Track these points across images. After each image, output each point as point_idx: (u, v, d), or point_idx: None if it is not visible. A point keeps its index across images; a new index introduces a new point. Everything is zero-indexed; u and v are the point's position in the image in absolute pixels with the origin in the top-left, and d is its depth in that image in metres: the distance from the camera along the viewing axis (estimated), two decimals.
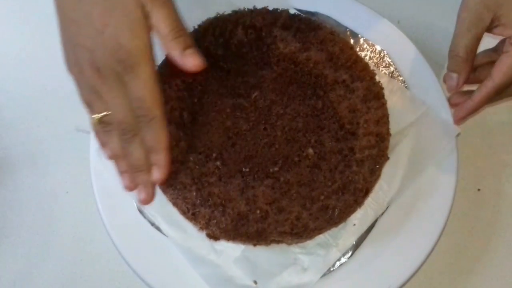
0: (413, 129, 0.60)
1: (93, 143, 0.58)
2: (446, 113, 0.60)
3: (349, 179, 0.54)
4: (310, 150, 0.55)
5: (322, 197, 0.54)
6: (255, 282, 0.55)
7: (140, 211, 0.58)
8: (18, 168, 0.66)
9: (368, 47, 0.64)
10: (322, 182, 0.54)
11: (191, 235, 0.57)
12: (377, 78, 0.58)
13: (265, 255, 0.56)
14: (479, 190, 0.64)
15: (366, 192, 0.55)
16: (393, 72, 0.62)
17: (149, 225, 0.57)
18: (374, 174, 0.55)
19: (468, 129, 0.65)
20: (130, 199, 0.57)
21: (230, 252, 0.56)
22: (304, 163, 0.55)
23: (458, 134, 0.59)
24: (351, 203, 0.54)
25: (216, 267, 0.56)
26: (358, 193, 0.54)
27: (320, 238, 0.56)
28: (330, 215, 0.53)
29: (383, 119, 0.56)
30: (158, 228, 0.57)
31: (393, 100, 0.60)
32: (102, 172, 0.58)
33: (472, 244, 0.62)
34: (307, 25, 0.60)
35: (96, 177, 0.59)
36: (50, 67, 0.65)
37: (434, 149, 0.59)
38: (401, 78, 0.62)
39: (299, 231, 0.53)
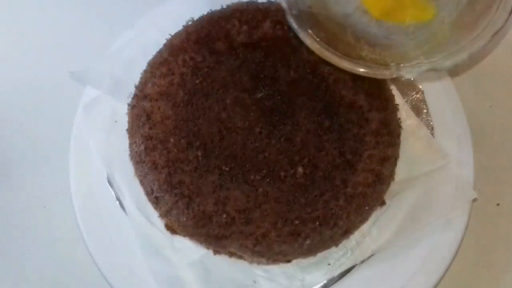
0: (424, 180, 0.53)
1: (73, 150, 0.56)
2: (468, 172, 0.53)
3: (331, 212, 0.49)
4: (300, 169, 0.50)
5: (296, 222, 0.49)
6: None
7: (109, 183, 0.54)
8: None
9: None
10: (302, 206, 0.49)
11: (153, 223, 0.53)
12: (400, 114, 0.53)
13: (224, 267, 0.52)
14: (498, 204, 0.59)
15: (346, 231, 0.50)
16: (422, 112, 0.56)
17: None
18: (360, 215, 0.50)
19: (486, 140, 0.60)
20: (113, 215, 0.54)
21: (188, 253, 0.52)
22: (289, 181, 0.50)
23: (475, 199, 0.53)
24: (325, 238, 0.49)
25: (168, 264, 0.52)
26: (336, 230, 0.49)
27: (288, 266, 0.52)
28: (299, 243, 0.49)
29: (390, 160, 0.51)
30: (121, 205, 0.53)
31: (412, 143, 0.54)
32: (83, 184, 0.55)
33: (492, 263, 0.56)
34: None
35: (76, 190, 0.55)
36: (25, 69, 0.64)
37: (442, 208, 0.52)
38: (429, 120, 0.56)
39: (261, 250, 0.49)
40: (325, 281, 0.51)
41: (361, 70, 0.50)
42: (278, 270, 0.52)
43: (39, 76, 0.63)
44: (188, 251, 0.52)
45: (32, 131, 0.63)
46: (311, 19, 0.52)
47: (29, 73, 0.64)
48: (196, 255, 0.52)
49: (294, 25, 0.51)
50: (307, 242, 0.49)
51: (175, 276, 0.51)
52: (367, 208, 0.50)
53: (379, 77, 0.50)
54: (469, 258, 0.56)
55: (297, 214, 0.49)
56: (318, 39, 0.50)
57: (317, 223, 0.49)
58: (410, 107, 0.56)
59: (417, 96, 0.57)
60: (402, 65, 0.49)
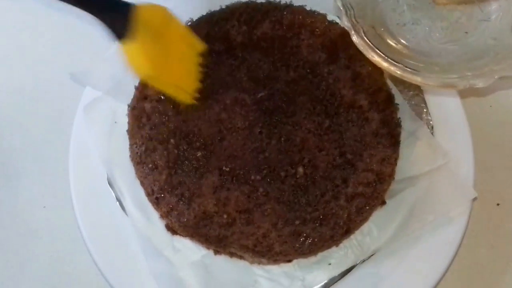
0: (424, 179, 0.53)
1: (73, 150, 0.55)
2: (468, 172, 0.53)
3: (332, 212, 0.49)
4: (301, 169, 0.50)
5: (297, 222, 0.49)
6: None
7: (110, 184, 0.54)
8: None
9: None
10: (303, 206, 0.49)
11: (154, 224, 0.53)
12: (400, 113, 0.53)
13: (224, 267, 0.52)
14: (498, 204, 0.58)
15: (347, 231, 0.49)
16: (423, 112, 0.56)
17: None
18: (361, 215, 0.49)
19: (486, 140, 0.59)
20: (113, 215, 0.53)
21: (188, 253, 0.52)
22: (290, 181, 0.50)
23: (475, 199, 0.53)
24: (326, 237, 0.49)
25: (169, 265, 0.52)
26: (337, 229, 0.49)
27: (288, 266, 0.51)
28: (300, 243, 0.49)
29: (391, 159, 0.51)
30: (121, 206, 0.53)
31: (412, 143, 0.54)
32: (83, 184, 0.54)
33: (491, 263, 0.56)
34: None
35: (76, 190, 0.54)
36: (25, 69, 0.64)
37: (442, 207, 0.52)
38: (429, 120, 0.55)
39: (262, 250, 0.49)
40: (326, 281, 0.51)
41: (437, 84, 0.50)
42: (278, 270, 0.51)
43: (39, 76, 0.63)
44: (188, 252, 0.52)
45: (32, 131, 0.62)
46: (375, 38, 0.52)
47: (29, 73, 0.64)
48: (196, 255, 0.52)
49: (361, 46, 0.51)
50: (308, 242, 0.49)
51: (176, 276, 0.51)
52: (367, 207, 0.49)
53: (456, 89, 0.51)
54: (469, 258, 0.56)
55: (298, 214, 0.49)
56: (387, 58, 0.51)
57: (317, 223, 0.49)
58: (410, 107, 0.56)
59: (417, 96, 0.57)
60: (470, 74, 0.50)
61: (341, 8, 0.52)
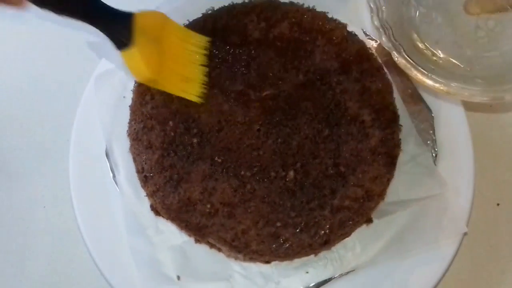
0: (417, 205, 0.52)
1: (73, 150, 0.55)
2: (464, 204, 0.52)
3: (314, 220, 0.49)
4: (291, 173, 0.50)
5: (278, 224, 0.49)
6: (178, 278, 0.51)
7: (107, 155, 0.55)
8: None
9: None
10: (287, 209, 0.49)
11: (141, 202, 0.53)
12: (403, 135, 0.52)
13: (203, 257, 0.52)
14: (498, 205, 0.58)
15: (326, 242, 0.49)
16: (429, 139, 0.55)
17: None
18: (342, 229, 0.49)
19: (486, 140, 0.59)
20: (113, 215, 0.53)
21: (171, 237, 0.52)
22: (279, 183, 0.50)
23: (465, 234, 0.52)
24: (304, 245, 0.49)
25: (149, 244, 0.52)
26: (316, 239, 0.49)
27: (266, 267, 0.51)
28: (277, 245, 0.48)
29: (383, 179, 0.50)
30: (115, 180, 0.54)
31: (411, 167, 0.53)
32: (83, 184, 0.54)
33: (491, 263, 0.56)
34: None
35: (76, 190, 0.54)
36: (26, 68, 0.64)
37: (431, 237, 0.51)
38: (435, 147, 0.54)
39: (239, 246, 0.49)
40: None
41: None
42: (256, 269, 0.51)
43: (39, 76, 0.63)
44: (171, 235, 0.52)
45: (32, 131, 0.62)
46: (416, 56, 0.52)
47: (29, 73, 0.64)
48: (178, 240, 0.52)
49: (403, 65, 0.51)
50: (285, 246, 0.48)
51: (154, 257, 0.51)
52: (350, 222, 0.49)
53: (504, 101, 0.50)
54: (469, 258, 0.55)
55: (280, 216, 0.49)
56: (431, 75, 0.51)
57: (298, 228, 0.48)
58: (417, 131, 0.55)
59: (426, 121, 0.56)
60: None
61: (380, 29, 0.52)
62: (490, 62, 0.52)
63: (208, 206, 0.49)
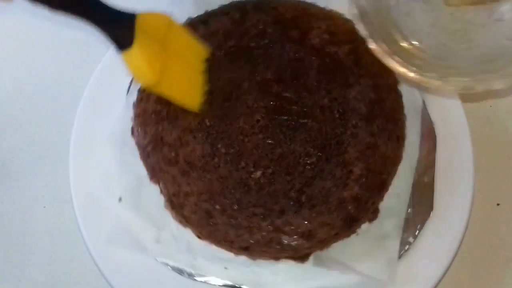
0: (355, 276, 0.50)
1: (73, 150, 0.55)
2: (464, 204, 0.52)
3: (249, 224, 0.49)
4: (258, 173, 0.49)
5: (217, 207, 0.50)
6: (120, 199, 0.52)
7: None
8: None
9: None
10: (233, 199, 0.50)
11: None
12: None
13: (153, 195, 0.52)
14: (498, 204, 0.58)
15: (246, 249, 0.50)
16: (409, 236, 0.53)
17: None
18: (267, 247, 0.50)
19: (486, 139, 0.59)
20: (114, 215, 0.53)
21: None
22: (242, 174, 0.50)
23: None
24: (227, 239, 0.49)
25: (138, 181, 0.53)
26: (239, 240, 0.50)
27: (196, 241, 0.51)
28: (205, 223, 0.50)
29: (332, 231, 0.49)
30: None
31: (375, 244, 0.51)
32: (83, 184, 0.54)
33: (491, 263, 0.55)
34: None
35: (76, 190, 0.53)
36: (26, 68, 0.64)
37: None
38: (411, 242, 0.52)
39: (174, 203, 0.51)
40: (208, 277, 0.51)
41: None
42: (187, 236, 0.51)
43: (39, 76, 0.63)
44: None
45: (32, 131, 0.61)
46: (392, 45, 0.52)
47: (29, 73, 0.64)
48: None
49: (378, 53, 0.51)
50: (211, 229, 0.49)
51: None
52: (278, 247, 0.49)
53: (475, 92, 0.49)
54: (469, 258, 0.55)
55: (223, 202, 0.49)
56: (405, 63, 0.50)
57: (231, 222, 0.49)
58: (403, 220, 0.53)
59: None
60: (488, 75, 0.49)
61: (358, 15, 0.51)
62: (465, 54, 0.52)
63: (173, 154, 0.50)
